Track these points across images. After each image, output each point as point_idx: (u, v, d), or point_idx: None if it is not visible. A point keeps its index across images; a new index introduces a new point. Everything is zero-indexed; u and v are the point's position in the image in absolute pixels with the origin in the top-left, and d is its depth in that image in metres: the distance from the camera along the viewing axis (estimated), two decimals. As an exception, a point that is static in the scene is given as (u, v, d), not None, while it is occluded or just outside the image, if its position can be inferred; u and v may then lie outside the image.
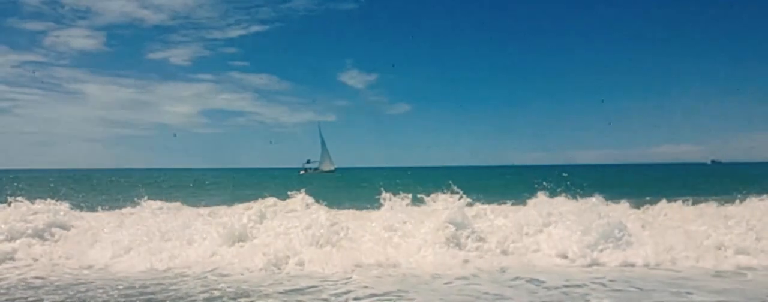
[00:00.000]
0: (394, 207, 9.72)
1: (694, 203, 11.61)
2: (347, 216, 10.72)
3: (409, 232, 8.74)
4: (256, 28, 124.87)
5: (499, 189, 25.07)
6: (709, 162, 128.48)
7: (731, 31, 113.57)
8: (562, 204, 9.86)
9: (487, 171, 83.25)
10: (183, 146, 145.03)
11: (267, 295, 6.21)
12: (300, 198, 12.37)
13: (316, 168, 75.29)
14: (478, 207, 10.85)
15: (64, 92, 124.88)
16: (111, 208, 12.32)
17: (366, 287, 6.52)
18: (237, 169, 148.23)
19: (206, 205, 13.95)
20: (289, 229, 8.86)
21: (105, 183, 39.87)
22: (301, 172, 72.82)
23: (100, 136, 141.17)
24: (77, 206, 11.58)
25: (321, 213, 9.61)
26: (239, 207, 11.87)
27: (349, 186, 32.60)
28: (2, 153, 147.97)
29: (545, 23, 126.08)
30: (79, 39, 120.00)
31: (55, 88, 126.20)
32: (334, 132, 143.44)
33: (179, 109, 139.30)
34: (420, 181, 44.88)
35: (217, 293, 6.34)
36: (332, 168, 75.19)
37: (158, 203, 12.25)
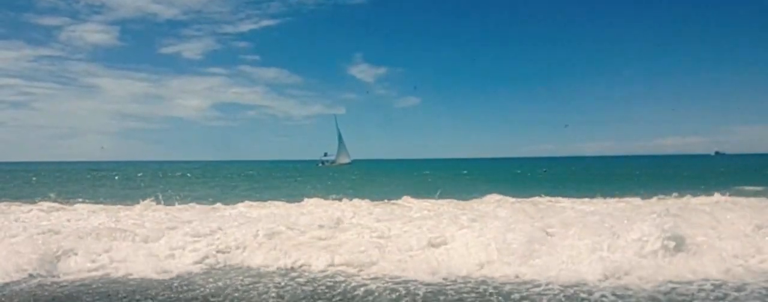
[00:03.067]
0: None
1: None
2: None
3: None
4: (266, 22, 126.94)
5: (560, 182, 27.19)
6: (712, 153, 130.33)
7: (735, 28, 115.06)
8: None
9: (506, 163, 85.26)
10: (195, 139, 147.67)
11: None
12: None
13: (332, 161, 76.95)
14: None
15: (80, 86, 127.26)
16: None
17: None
18: (249, 162, 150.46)
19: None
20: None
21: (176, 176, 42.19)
22: (319, 165, 74.72)
23: (114, 129, 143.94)
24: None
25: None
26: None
27: (385, 179, 34.59)
28: (19, 146, 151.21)
29: (553, 19, 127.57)
30: (94, 34, 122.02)
31: (70, 82, 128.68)
32: (343, 124, 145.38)
33: (191, 103, 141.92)
34: (443, 173, 46.94)
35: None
36: (348, 161, 76.94)
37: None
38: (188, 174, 46.48)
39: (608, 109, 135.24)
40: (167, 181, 33.33)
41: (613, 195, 13.75)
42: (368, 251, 7.39)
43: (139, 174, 44.75)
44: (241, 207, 13.02)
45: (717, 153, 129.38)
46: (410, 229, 8.64)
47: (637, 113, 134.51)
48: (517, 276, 6.49)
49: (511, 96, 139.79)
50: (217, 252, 7.69)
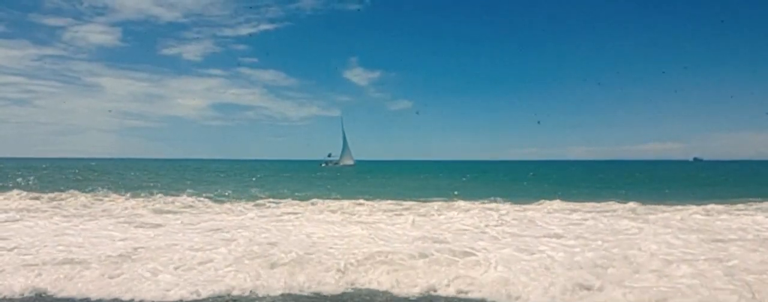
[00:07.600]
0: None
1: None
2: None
3: None
4: (265, 26, 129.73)
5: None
6: (691, 159, 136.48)
7: (714, 38, 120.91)
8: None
9: (498, 166, 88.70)
10: (194, 138, 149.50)
11: None
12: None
13: (336, 162, 79.31)
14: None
15: (82, 85, 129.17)
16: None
17: None
18: (247, 161, 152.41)
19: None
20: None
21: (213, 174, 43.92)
22: (322, 165, 76.86)
23: (115, 127, 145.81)
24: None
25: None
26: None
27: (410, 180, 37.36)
28: (22, 143, 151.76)
29: (541, 26, 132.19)
30: (97, 34, 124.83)
31: (73, 81, 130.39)
32: (337, 126, 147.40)
33: (190, 103, 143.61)
34: (447, 175, 49.85)
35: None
36: (351, 162, 79.68)
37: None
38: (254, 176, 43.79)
39: (591, 115, 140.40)
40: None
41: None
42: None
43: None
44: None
45: (695, 159, 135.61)
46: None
47: (619, 119, 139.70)
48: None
49: (498, 101, 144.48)
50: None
